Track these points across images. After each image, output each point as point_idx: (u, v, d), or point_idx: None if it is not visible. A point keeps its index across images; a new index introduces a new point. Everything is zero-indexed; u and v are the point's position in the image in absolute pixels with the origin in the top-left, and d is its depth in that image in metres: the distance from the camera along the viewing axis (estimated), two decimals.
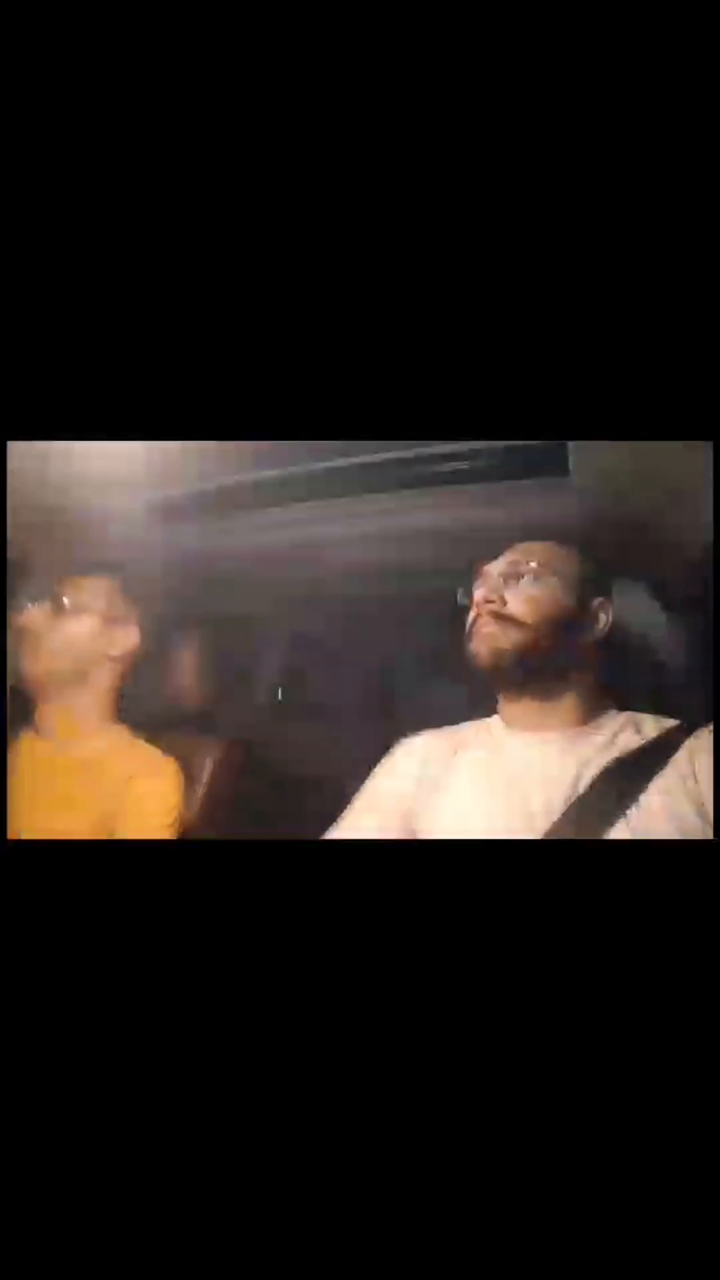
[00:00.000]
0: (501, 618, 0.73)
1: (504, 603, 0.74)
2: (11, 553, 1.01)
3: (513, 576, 0.75)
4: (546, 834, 0.65)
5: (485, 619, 0.74)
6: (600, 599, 0.77)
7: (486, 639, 0.73)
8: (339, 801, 0.84)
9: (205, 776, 0.91)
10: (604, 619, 0.76)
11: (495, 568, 0.77)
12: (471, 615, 0.76)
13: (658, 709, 0.76)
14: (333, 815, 0.81)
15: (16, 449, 0.71)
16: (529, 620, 0.73)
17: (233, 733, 1.03)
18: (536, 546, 0.77)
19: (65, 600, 0.88)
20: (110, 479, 0.89)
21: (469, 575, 0.80)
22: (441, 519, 0.99)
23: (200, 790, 0.89)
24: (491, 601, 0.74)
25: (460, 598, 0.79)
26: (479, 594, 0.75)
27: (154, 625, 0.94)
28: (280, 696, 1.49)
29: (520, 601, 0.74)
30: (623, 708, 0.76)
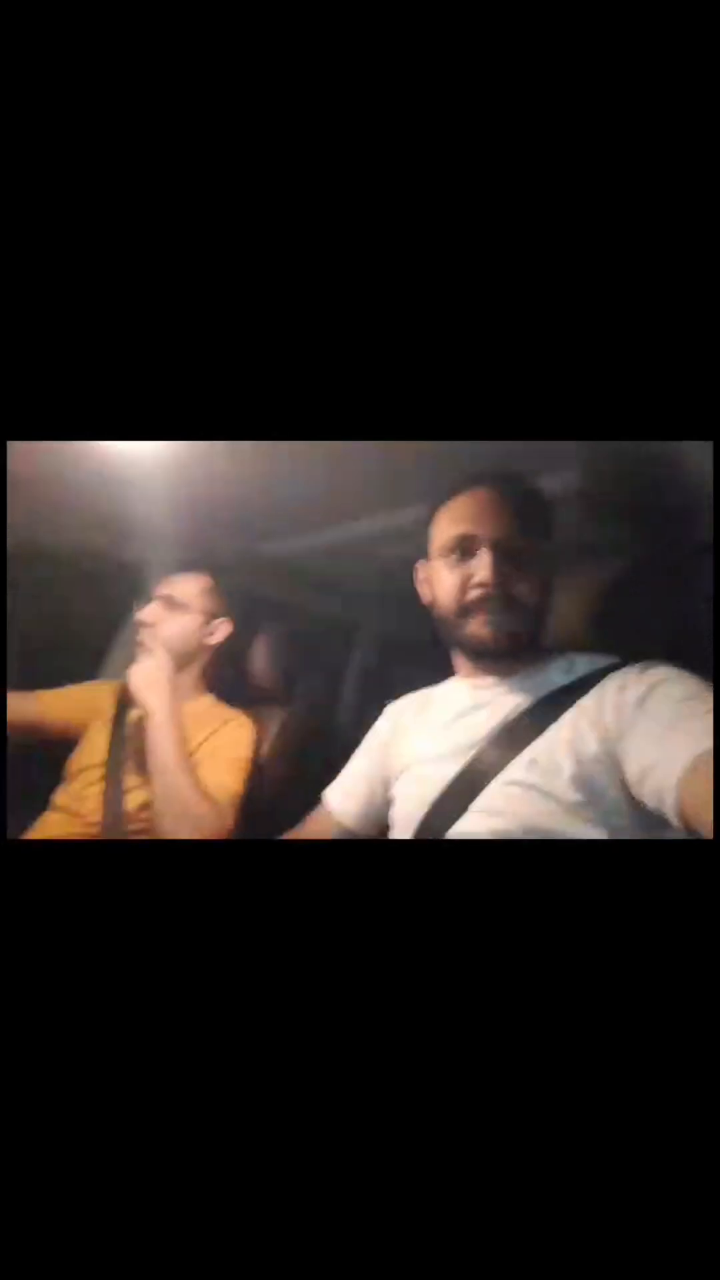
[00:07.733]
0: (510, 600, 0.73)
1: (513, 584, 0.73)
2: (126, 556, 1.26)
3: (513, 554, 0.74)
4: (471, 760, 0.71)
5: (495, 603, 0.73)
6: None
7: (498, 625, 0.73)
8: None
9: (272, 735, 1.09)
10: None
11: (486, 536, 0.74)
12: (472, 593, 0.74)
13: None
14: None
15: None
16: (531, 605, 0.74)
17: (300, 709, 1.20)
18: (502, 517, 0.75)
19: (174, 597, 1.10)
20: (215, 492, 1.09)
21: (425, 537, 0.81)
22: None
23: (266, 745, 1.07)
24: (502, 582, 0.72)
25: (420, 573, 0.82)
26: (483, 574, 0.73)
27: (241, 616, 1.15)
28: None
29: (526, 586, 0.73)
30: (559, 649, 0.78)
